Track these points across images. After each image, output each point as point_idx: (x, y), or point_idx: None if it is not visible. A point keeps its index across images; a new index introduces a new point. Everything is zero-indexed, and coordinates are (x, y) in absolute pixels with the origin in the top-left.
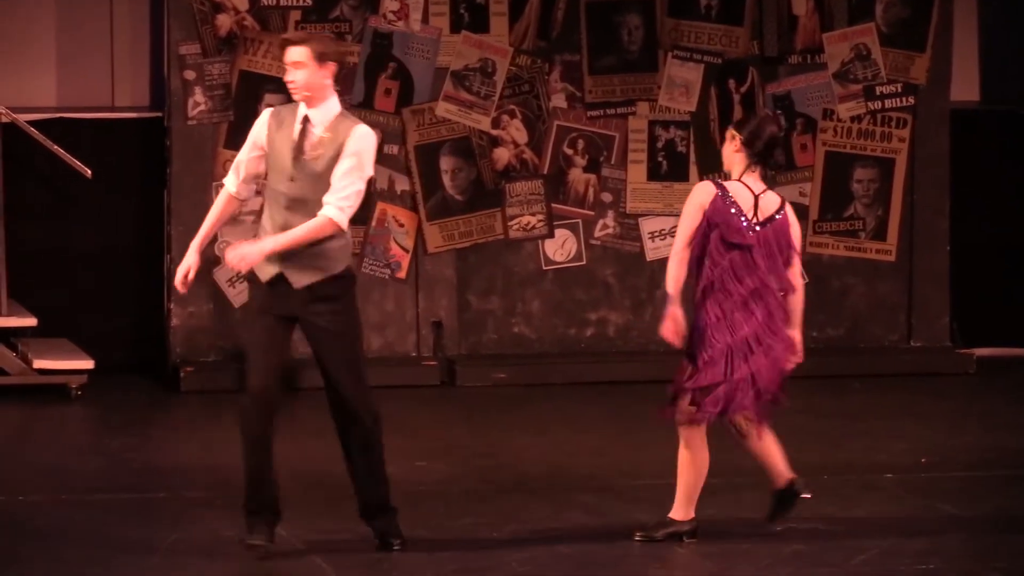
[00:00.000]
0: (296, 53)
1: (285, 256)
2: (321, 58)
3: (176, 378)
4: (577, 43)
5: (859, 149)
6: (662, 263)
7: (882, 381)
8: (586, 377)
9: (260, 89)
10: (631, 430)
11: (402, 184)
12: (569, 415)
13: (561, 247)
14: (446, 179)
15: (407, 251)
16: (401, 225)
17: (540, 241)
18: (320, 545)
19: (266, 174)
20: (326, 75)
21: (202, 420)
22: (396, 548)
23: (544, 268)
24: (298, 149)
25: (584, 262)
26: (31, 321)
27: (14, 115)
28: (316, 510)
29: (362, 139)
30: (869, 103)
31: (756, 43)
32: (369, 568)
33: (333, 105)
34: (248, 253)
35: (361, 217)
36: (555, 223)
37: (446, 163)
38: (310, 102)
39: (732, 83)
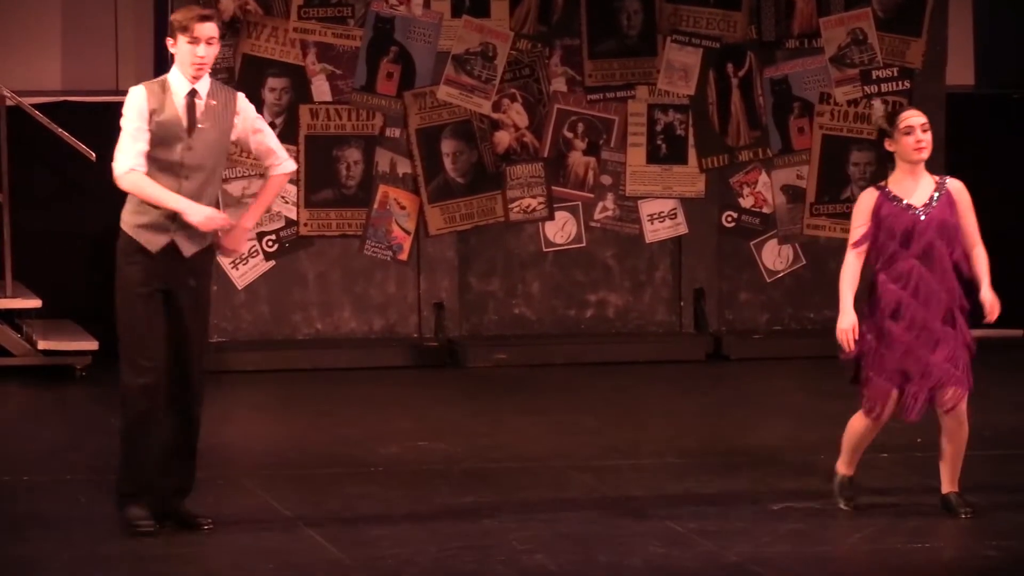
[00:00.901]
0: (213, 28)
1: (179, 225)
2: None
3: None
4: (577, 28)
5: (855, 132)
6: (662, 245)
7: None
8: (586, 358)
9: (263, 73)
10: (630, 410)
11: (404, 167)
12: (569, 395)
13: (561, 229)
14: (447, 162)
15: (409, 233)
16: (403, 207)
17: (540, 223)
18: (319, 522)
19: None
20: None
21: (207, 399)
22: (207, 527)
23: (544, 250)
24: (191, 121)
25: (584, 244)
26: (36, 303)
27: (19, 98)
28: (315, 488)
29: (246, 102)
30: (865, 87)
31: (754, 28)
32: (370, 545)
33: (207, 76)
34: (247, 232)
35: (363, 199)
36: (555, 205)
37: (447, 146)
38: (200, 77)
39: (730, 67)
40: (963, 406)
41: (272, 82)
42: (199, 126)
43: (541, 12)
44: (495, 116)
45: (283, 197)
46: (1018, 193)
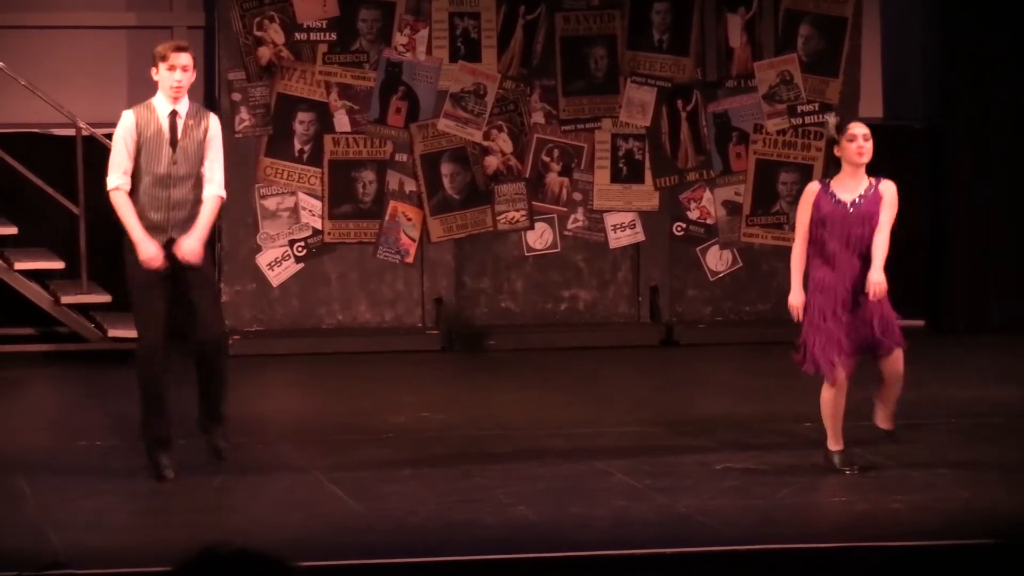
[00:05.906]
0: (187, 58)
1: (174, 225)
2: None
3: (225, 344)
4: (553, 70)
5: (783, 157)
6: (623, 250)
7: None
8: (560, 344)
9: (294, 108)
10: (597, 387)
11: (410, 185)
12: (546, 375)
13: (540, 237)
14: (446, 182)
15: (414, 240)
16: (409, 219)
17: (523, 232)
18: (339, 479)
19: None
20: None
21: (247, 378)
22: (225, 449)
23: (526, 254)
24: (174, 138)
25: (559, 249)
26: (106, 298)
27: (93, 129)
28: (336, 451)
29: (217, 124)
30: (792, 119)
31: (699, 70)
32: (382, 498)
33: (187, 99)
34: (195, 248)
35: (376, 212)
36: (535, 217)
37: (446, 168)
38: (179, 99)
39: (680, 103)
40: (901, 355)
41: (301, 116)
42: (180, 142)
43: (523, 58)
44: (485, 143)
45: (310, 211)
46: (913, 208)
